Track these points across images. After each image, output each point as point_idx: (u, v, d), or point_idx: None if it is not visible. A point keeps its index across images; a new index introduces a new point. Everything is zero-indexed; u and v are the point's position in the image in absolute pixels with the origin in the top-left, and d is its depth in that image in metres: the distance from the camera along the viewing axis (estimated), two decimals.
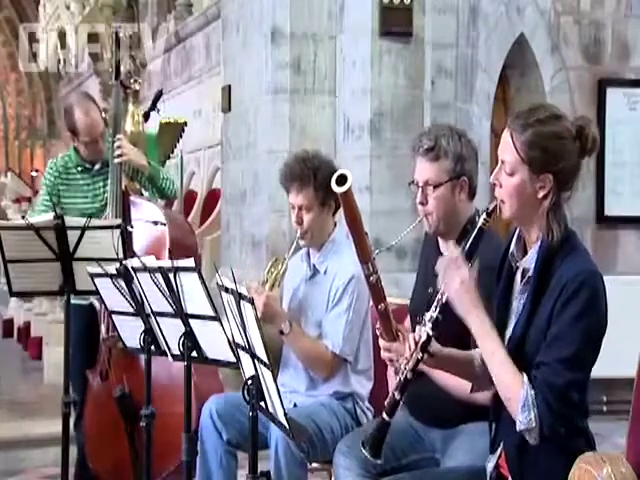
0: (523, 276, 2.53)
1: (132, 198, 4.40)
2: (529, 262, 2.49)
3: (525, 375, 2.36)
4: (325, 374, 3.56)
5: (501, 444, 2.58)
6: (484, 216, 2.48)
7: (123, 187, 4.35)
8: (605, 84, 6.94)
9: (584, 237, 6.78)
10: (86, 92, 6.19)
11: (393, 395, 2.56)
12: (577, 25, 6.95)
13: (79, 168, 4.41)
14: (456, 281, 2.44)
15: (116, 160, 4.30)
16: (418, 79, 5.79)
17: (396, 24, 5.74)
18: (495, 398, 2.58)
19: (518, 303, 2.53)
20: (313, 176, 3.52)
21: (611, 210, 6.97)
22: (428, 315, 2.51)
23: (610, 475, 2.13)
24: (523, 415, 2.33)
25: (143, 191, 4.69)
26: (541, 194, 2.44)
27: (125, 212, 4.32)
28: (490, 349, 2.41)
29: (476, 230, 2.49)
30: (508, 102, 7.06)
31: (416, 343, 2.51)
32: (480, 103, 6.19)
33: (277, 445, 3.28)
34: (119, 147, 4.29)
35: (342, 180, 2.78)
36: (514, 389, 2.36)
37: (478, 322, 2.42)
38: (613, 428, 3.95)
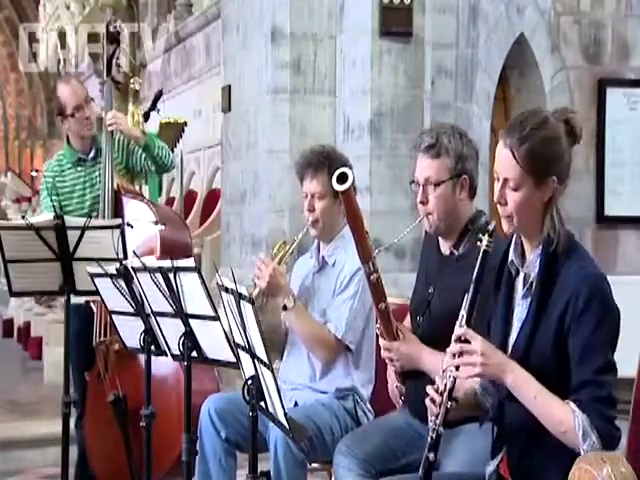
0: (525, 281, 2.52)
1: (124, 198, 4.38)
2: (531, 267, 2.49)
3: (571, 403, 2.34)
4: (326, 356, 3.55)
5: (503, 448, 2.57)
6: (487, 238, 2.44)
7: (115, 186, 4.35)
8: (605, 84, 6.94)
9: (584, 237, 6.78)
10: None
11: (427, 458, 2.48)
12: (577, 25, 6.95)
13: (74, 162, 4.43)
14: (477, 360, 2.38)
15: (109, 128, 4.32)
16: (418, 79, 5.79)
17: (396, 24, 5.74)
18: (498, 403, 2.58)
19: (521, 309, 2.52)
20: (327, 164, 3.56)
21: (611, 210, 6.96)
22: (448, 353, 2.44)
23: (610, 475, 2.12)
24: (586, 443, 2.32)
25: (138, 186, 4.70)
26: (546, 198, 2.44)
27: (118, 211, 4.31)
28: (531, 395, 2.38)
29: (481, 254, 2.45)
30: (508, 102, 7.06)
31: (441, 393, 2.45)
32: (480, 103, 6.19)
33: (277, 445, 3.28)
34: (111, 117, 4.32)
35: (343, 179, 2.79)
36: (567, 423, 2.33)
37: (512, 376, 2.39)
38: None
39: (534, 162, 2.40)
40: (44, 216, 3.97)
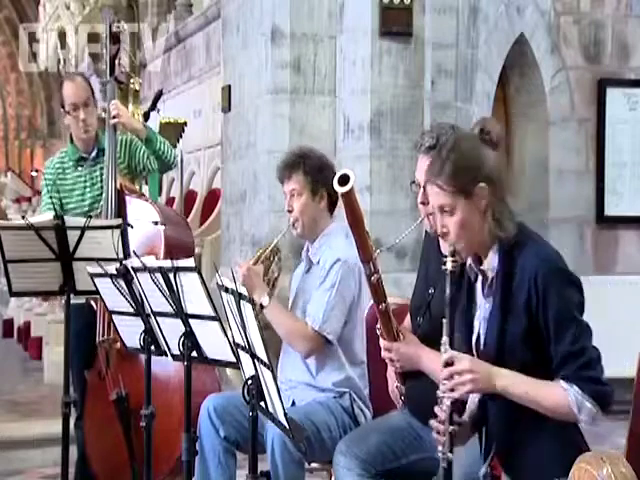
0: (484, 282, 2.55)
1: (127, 197, 4.38)
2: (490, 266, 2.52)
3: (561, 381, 2.39)
4: (304, 349, 3.55)
5: (493, 448, 2.58)
6: (450, 259, 2.47)
7: (118, 185, 4.34)
8: (605, 84, 6.95)
9: (584, 237, 6.79)
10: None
11: None
12: (577, 25, 6.96)
13: (76, 160, 4.43)
14: (467, 377, 2.43)
15: (112, 121, 4.33)
16: (418, 79, 5.80)
17: (396, 24, 5.75)
18: (480, 403, 2.59)
19: (484, 308, 2.55)
20: (302, 162, 3.62)
21: (611, 210, 6.97)
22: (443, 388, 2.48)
23: (610, 475, 2.12)
24: (584, 413, 2.38)
25: (138, 187, 4.70)
26: (483, 206, 2.47)
27: (121, 211, 4.31)
28: (522, 392, 2.42)
29: (449, 276, 2.48)
30: (508, 102, 7.07)
31: (443, 422, 2.47)
32: (480, 103, 6.20)
33: (274, 445, 3.27)
34: (114, 109, 4.33)
35: (344, 180, 2.79)
36: (563, 403, 2.39)
37: (500, 381, 2.43)
38: (613, 428, 3.94)
39: (457, 180, 2.45)
40: (44, 216, 3.96)
